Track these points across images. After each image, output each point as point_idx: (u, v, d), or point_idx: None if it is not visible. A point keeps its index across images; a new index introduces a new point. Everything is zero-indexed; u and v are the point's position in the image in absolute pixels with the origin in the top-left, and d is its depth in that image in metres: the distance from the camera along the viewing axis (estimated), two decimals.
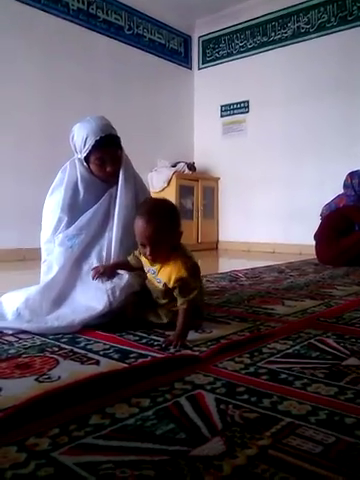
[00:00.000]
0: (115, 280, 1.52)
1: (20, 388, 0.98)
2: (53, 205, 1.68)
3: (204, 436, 0.76)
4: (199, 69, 5.79)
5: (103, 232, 1.65)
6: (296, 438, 0.75)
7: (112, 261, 1.61)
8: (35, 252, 4.10)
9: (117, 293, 1.48)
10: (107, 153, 1.63)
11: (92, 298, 1.50)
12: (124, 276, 1.53)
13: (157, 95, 5.27)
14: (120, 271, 1.56)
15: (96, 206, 1.66)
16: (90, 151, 1.61)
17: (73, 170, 1.68)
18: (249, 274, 2.95)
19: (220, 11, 5.37)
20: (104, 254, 1.61)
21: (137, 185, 1.73)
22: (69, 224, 1.63)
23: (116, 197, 1.68)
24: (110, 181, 1.70)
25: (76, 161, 1.69)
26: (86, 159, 1.65)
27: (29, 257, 3.89)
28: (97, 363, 1.15)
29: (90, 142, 1.60)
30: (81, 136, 1.62)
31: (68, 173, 1.68)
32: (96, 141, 1.59)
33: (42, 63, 4.13)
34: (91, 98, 4.49)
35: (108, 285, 1.50)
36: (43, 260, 1.68)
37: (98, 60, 4.62)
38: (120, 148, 1.69)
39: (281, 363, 1.14)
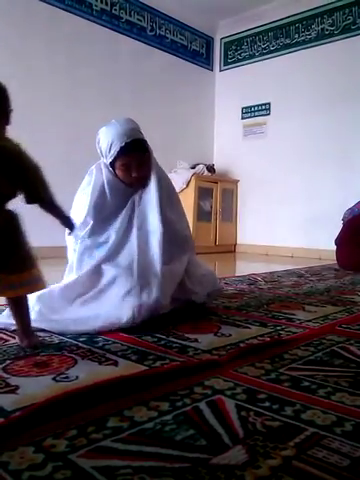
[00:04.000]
0: (144, 297, 1.47)
1: (37, 387, 0.97)
2: (79, 206, 1.67)
3: (225, 444, 0.74)
4: (221, 71, 5.76)
5: (126, 240, 1.62)
6: (321, 450, 0.72)
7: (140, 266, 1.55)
8: (54, 251, 4.14)
9: (143, 312, 1.44)
10: (132, 159, 1.59)
11: (116, 307, 1.46)
12: (153, 292, 1.48)
13: (178, 96, 5.26)
14: (151, 286, 1.50)
15: (123, 213, 1.64)
16: (115, 157, 1.59)
17: (99, 174, 1.66)
18: (268, 278, 2.91)
19: (243, 13, 5.33)
20: (133, 261, 1.56)
21: (163, 189, 1.68)
22: (94, 227, 1.62)
23: (140, 204, 1.65)
24: (137, 186, 1.67)
25: (102, 165, 1.67)
26: (112, 164, 1.63)
27: (47, 255, 3.91)
28: (115, 364, 1.14)
29: (115, 148, 1.56)
30: (106, 141, 1.59)
31: (94, 177, 1.66)
32: (121, 147, 1.56)
33: (65, 63, 4.15)
34: (112, 98, 4.50)
35: (136, 301, 1.45)
36: (70, 253, 1.69)
37: (120, 60, 4.63)
38: (147, 152, 1.64)
39: (303, 370, 1.11)
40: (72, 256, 1.65)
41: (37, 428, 0.77)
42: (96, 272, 1.56)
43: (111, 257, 1.59)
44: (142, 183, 1.66)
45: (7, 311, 1.52)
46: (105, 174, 1.65)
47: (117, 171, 1.62)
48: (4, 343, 1.30)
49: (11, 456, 0.68)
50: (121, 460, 0.68)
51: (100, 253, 1.58)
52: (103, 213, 1.63)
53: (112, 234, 1.61)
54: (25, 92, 3.86)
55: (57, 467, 0.66)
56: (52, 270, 1.79)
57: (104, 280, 1.55)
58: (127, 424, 0.80)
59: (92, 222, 1.61)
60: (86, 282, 1.55)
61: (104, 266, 1.57)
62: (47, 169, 4.30)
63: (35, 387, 0.97)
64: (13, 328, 1.43)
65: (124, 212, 1.65)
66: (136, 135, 1.60)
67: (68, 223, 1.37)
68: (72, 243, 1.66)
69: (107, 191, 1.64)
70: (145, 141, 1.63)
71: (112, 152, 1.57)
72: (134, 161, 1.60)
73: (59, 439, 0.74)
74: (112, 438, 0.75)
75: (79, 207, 1.67)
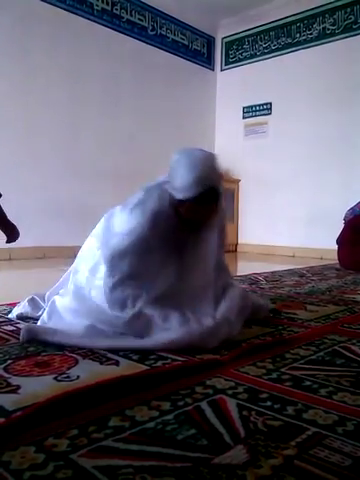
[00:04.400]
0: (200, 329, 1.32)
1: (39, 386, 0.97)
2: (123, 227, 1.48)
3: (226, 443, 0.73)
4: (222, 70, 5.75)
5: (176, 285, 1.46)
6: (323, 449, 0.71)
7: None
8: (55, 250, 4.12)
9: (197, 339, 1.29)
10: (203, 208, 1.44)
11: (170, 332, 1.32)
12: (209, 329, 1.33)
13: (179, 96, 5.26)
14: (214, 314, 1.40)
15: (174, 256, 1.49)
16: (186, 200, 1.41)
17: (158, 201, 1.47)
18: (269, 277, 2.90)
19: (244, 12, 5.32)
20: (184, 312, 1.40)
21: (221, 239, 1.63)
22: (135, 262, 1.43)
23: (196, 250, 1.53)
24: (193, 228, 1.52)
25: (164, 193, 1.46)
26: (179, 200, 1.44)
27: (49, 255, 3.92)
28: (116, 363, 1.14)
29: (189, 193, 1.38)
30: (182, 178, 1.40)
31: (152, 203, 1.47)
32: (196, 197, 1.38)
33: (66, 62, 4.15)
34: (114, 98, 4.51)
35: (191, 327, 1.31)
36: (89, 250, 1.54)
37: (121, 60, 4.63)
38: (218, 201, 1.46)
39: (305, 369, 1.11)
40: (91, 256, 1.51)
41: (38, 428, 0.77)
42: (142, 316, 1.37)
43: (159, 301, 1.41)
44: (199, 227, 1.52)
45: (25, 302, 1.62)
46: (167, 205, 1.46)
47: (180, 208, 1.45)
48: (5, 343, 1.30)
49: (12, 456, 0.68)
50: (122, 460, 0.68)
51: (144, 294, 1.41)
52: (147, 247, 1.45)
53: (160, 275, 1.45)
54: (26, 91, 3.86)
55: (58, 467, 0.66)
56: (57, 271, 1.78)
57: (156, 320, 1.36)
58: (128, 424, 0.80)
59: (132, 259, 1.43)
60: (133, 327, 1.37)
61: (150, 311, 1.38)
62: (46, 164, 4.33)
63: (36, 387, 0.97)
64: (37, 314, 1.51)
65: (175, 254, 1.49)
66: (214, 182, 1.42)
67: (13, 232, 1.29)
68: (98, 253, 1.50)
69: (160, 224, 1.45)
70: (219, 190, 1.45)
71: (184, 195, 1.40)
72: (203, 210, 1.45)
73: (60, 439, 0.74)
74: (113, 438, 0.75)
75: (123, 227, 1.48)
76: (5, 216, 1.56)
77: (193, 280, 1.50)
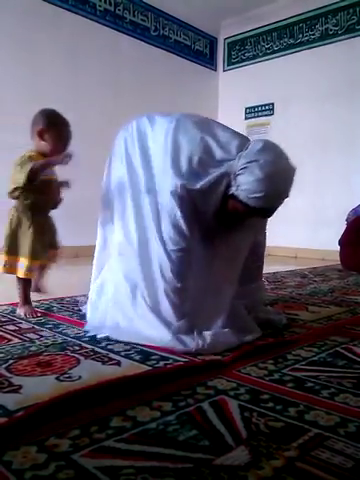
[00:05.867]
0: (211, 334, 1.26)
1: (41, 386, 0.97)
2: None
3: (228, 444, 0.73)
4: (224, 71, 5.75)
5: (201, 273, 1.38)
6: (325, 451, 0.71)
7: None
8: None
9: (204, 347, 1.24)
10: (259, 218, 1.39)
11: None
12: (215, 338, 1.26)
13: (181, 96, 5.26)
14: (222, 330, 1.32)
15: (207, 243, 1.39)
16: (246, 204, 1.27)
17: (216, 179, 1.30)
18: (271, 278, 2.90)
19: (246, 13, 5.32)
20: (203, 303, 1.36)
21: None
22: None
23: (229, 248, 1.43)
24: (230, 221, 1.40)
25: (224, 178, 1.29)
26: (231, 195, 1.31)
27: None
28: (118, 364, 1.14)
29: (257, 204, 1.26)
30: (259, 186, 1.24)
31: (214, 177, 1.30)
32: (263, 208, 1.28)
33: (69, 63, 4.15)
34: (115, 98, 4.51)
35: (204, 338, 1.25)
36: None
37: (123, 60, 4.63)
38: (270, 216, 1.40)
39: (307, 371, 1.11)
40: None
41: (40, 428, 0.77)
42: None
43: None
44: (236, 223, 1.42)
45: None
46: (222, 190, 1.30)
47: (231, 200, 1.30)
48: (7, 343, 1.30)
49: (14, 455, 0.68)
50: (124, 460, 0.68)
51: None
52: (195, 217, 1.31)
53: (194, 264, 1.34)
54: (27, 92, 3.86)
55: (60, 467, 0.66)
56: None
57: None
58: (130, 424, 0.80)
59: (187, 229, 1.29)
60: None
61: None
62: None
63: (38, 387, 0.97)
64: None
65: (208, 239, 1.39)
66: (282, 202, 1.35)
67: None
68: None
69: (209, 197, 1.30)
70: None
71: (250, 201, 1.25)
72: (252, 219, 1.37)
73: (62, 439, 0.74)
74: (115, 438, 0.75)
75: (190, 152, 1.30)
76: None
77: (217, 275, 1.38)
